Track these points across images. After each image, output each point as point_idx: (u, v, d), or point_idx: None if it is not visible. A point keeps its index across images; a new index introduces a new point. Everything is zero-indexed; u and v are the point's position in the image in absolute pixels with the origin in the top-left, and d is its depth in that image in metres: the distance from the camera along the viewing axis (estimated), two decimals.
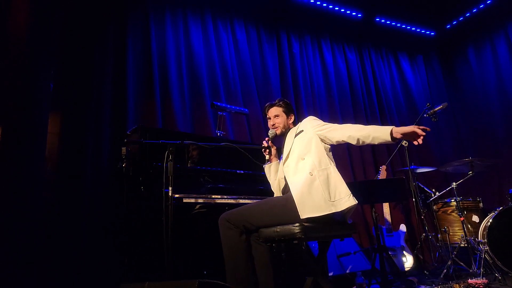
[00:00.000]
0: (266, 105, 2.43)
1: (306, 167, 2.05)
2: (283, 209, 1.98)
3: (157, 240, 2.14)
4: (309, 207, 1.91)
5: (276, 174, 2.33)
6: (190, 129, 3.60)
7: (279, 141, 2.47)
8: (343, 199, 1.97)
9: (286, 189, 2.18)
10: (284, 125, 2.35)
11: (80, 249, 2.62)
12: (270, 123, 2.38)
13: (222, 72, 4.01)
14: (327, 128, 2.15)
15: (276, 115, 2.35)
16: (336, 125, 2.15)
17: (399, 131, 1.93)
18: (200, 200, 2.34)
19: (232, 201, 2.48)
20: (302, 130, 2.22)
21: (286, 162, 2.19)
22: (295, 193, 1.97)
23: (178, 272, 2.34)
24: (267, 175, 2.39)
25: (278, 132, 2.34)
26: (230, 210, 2.07)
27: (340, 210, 1.94)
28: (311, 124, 2.22)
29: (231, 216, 2.00)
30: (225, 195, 2.50)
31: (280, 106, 2.37)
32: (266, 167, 2.39)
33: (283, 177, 2.22)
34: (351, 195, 2.01)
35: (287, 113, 2.37)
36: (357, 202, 2.02)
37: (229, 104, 3.59)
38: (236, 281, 1.91)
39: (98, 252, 2.73)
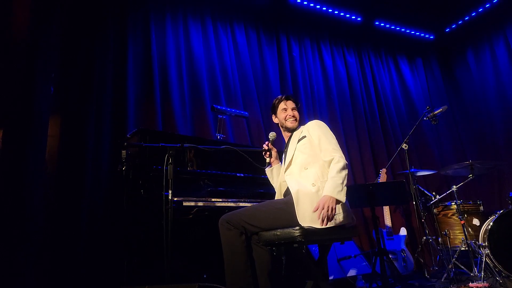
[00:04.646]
0: (284, 96, 2.35)
1: (309, 177, 2.03)
2: (283, 212, 1.97)
3: (157, 243, 2.14)
4: (310, 217, 1.89)
5: (278, 177, 2.32)
6: (190, 132, 3.60)
7: (279, 143, 2.47)
8: (342, 214, 1.98)
9: (287, 193, 2.17)
10: (298, 121, 2.30)
11: (80, 252, 2.61)
12: (288, 113, 2.28)
13: (222, 75, 4.02)
14: (322, 146, 2.09)
15: (293, 108, 2.30)
16: (330, 148, 2.07)
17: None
18: (200, 203, 2.34)
19: (232, 204, 2.48)
20: (305, 136, 2.18)
21: (289, 169, 2.15)
22: (297, 202, 1.94)
23: (178, 275, 2.33)
24: (270, 179, 2.39)
25: (295, 125, 2.28)
26: (230, 212, 2.05)
27: (339, 224, 1.95)
28: (314, 131, 2.16)
29: (231, 217, 1.99)
30: (225, 198, 2.50)
31: (295, 102, 2.33)
32: (268, 170, 2.38)
33: (285, 180, 2.21)
34: (350, 211, 2.02)
35: (298, 110, 2.34)
36: (355, 220, 2.04)
37: (229, 107, 3.59)
38: (234, 282, 1.89)
39: (98, 255, 2.72)
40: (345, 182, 1.95)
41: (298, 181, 2.05)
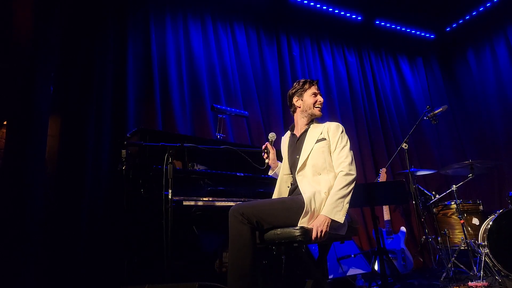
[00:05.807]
0: (314, 80, 2.24)
1: (322, 184, 1.97)
2: (299, 212, 1.87)
3: (157, 242, 2.14)
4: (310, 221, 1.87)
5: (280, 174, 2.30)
6: (190, 131, 3.60)
7: (278, 143, 2.47)
8: (345, 226, 1.95)
9: (292, 191, 2.14)
10: None
11: (80, 252, 2.61)
12: (319, 99, 2.18)
13: (222, 75, 4.02)
14: (334, 154, 2.04)
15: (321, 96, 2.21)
16: (343, 158, 2.00)
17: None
18: (200, 203, 2.34)
19: (232, 203, 2.47)
20: (325, 139, 2.08)
21: (302, 172, 2.06)
22: (308, 206, 1.86)
23: (178, 275, 2.33)
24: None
25: (321, 115, 2.19)
26: (243, 203, 1.94)
27: (339, 234, 1.92)
28: (333, 136, 2.07)
29: (245, 209, 1.85)
30: (225, 197, 2.50)
31: None
32: (271, 175, 2.39)
33: (288, 173, 2.17)
34: (347, 221, 1.98)
35: None
36: (357, 233, 2.02)
37: (229, 107, 3.60)
38: (237, 280, 1.78)
39: (98, 255, 2.72)
40: (347, 198, 1.88)
41: (312, 185, 1.97)
